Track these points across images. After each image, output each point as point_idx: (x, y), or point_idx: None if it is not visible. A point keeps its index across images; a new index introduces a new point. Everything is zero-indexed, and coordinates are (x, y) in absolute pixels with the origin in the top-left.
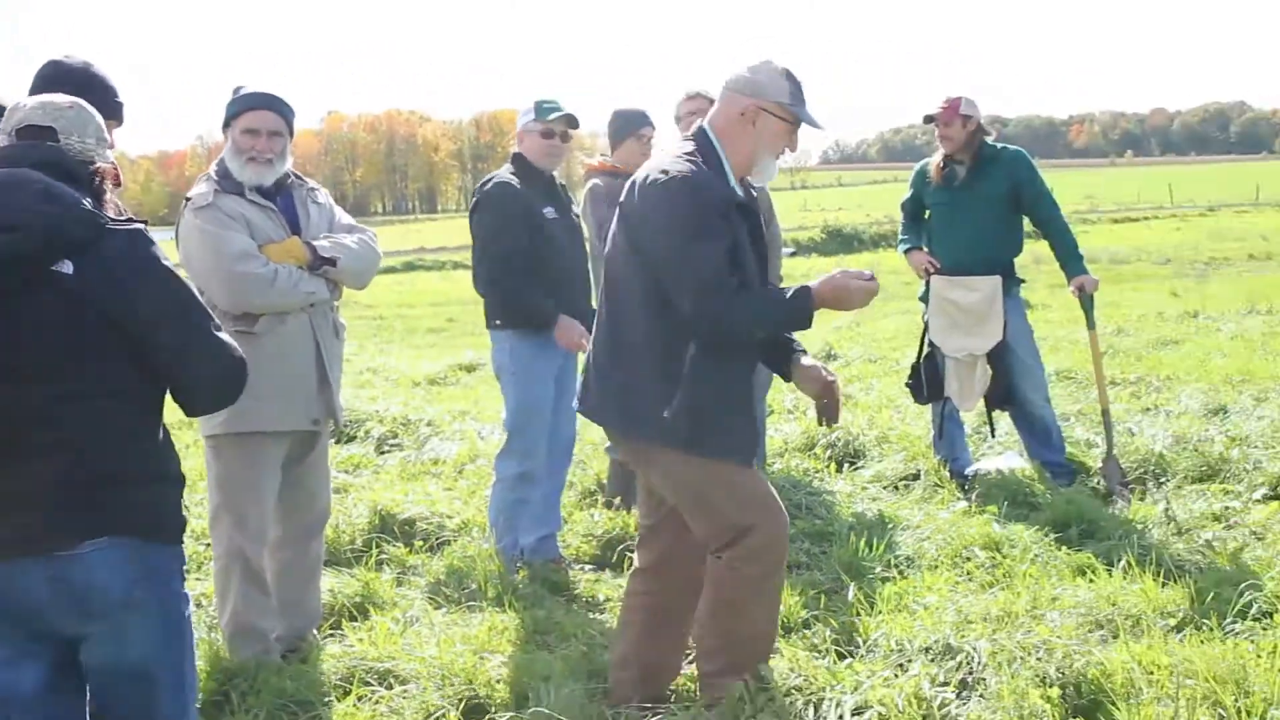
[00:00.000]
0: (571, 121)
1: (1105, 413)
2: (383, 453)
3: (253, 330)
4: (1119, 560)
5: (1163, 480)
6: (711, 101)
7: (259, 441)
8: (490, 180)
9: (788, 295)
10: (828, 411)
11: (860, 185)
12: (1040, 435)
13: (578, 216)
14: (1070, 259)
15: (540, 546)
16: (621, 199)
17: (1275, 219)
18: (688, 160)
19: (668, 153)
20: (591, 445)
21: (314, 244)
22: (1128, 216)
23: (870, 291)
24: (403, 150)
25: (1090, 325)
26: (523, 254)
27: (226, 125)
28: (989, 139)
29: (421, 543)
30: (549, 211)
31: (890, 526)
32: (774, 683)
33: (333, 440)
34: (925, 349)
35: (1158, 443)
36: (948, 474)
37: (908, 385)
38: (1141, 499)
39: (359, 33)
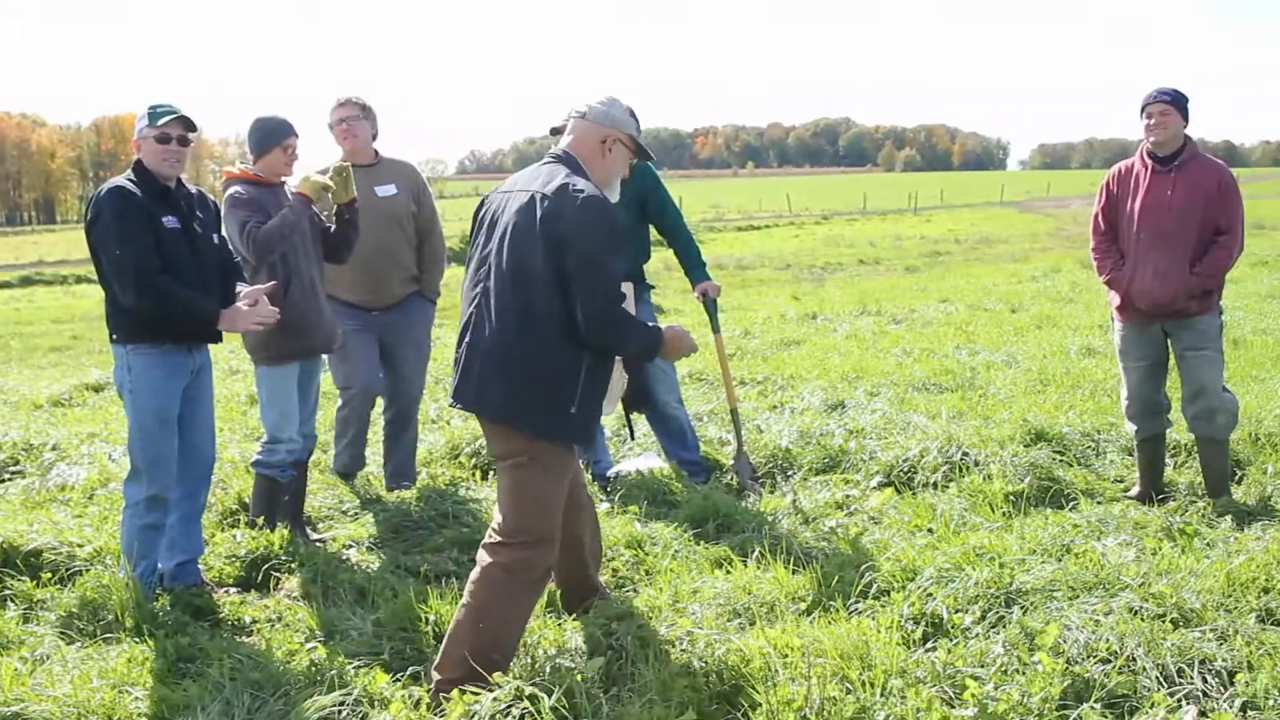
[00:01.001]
0: (188, 124)
1: (734, 412)
2: (2, 481)
3: None
4: (753, 551)
5: (790, 473)
6: (363, 108)
7: None
8: (104, 188)
9: (649, 326)
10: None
11: None
12: (676, 436)
13: (202, 225)
14: (694, 266)
15: (180, 572)
16: (508, 210)
17: (881, 226)
18: (585, 181)
19: (555, 171)
20: (231, 464)
21: None
22: (751, 224)
23: (691, 350)
24: (15, 157)
25: (715, 329)
26: (152, 255)
27: None
28: None
29: (50, 575)
30: (169, 220)
31: None
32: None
33: None
34: None
35: (784, 438)
36: (590, 476)
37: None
38: (771, 491)
39: None
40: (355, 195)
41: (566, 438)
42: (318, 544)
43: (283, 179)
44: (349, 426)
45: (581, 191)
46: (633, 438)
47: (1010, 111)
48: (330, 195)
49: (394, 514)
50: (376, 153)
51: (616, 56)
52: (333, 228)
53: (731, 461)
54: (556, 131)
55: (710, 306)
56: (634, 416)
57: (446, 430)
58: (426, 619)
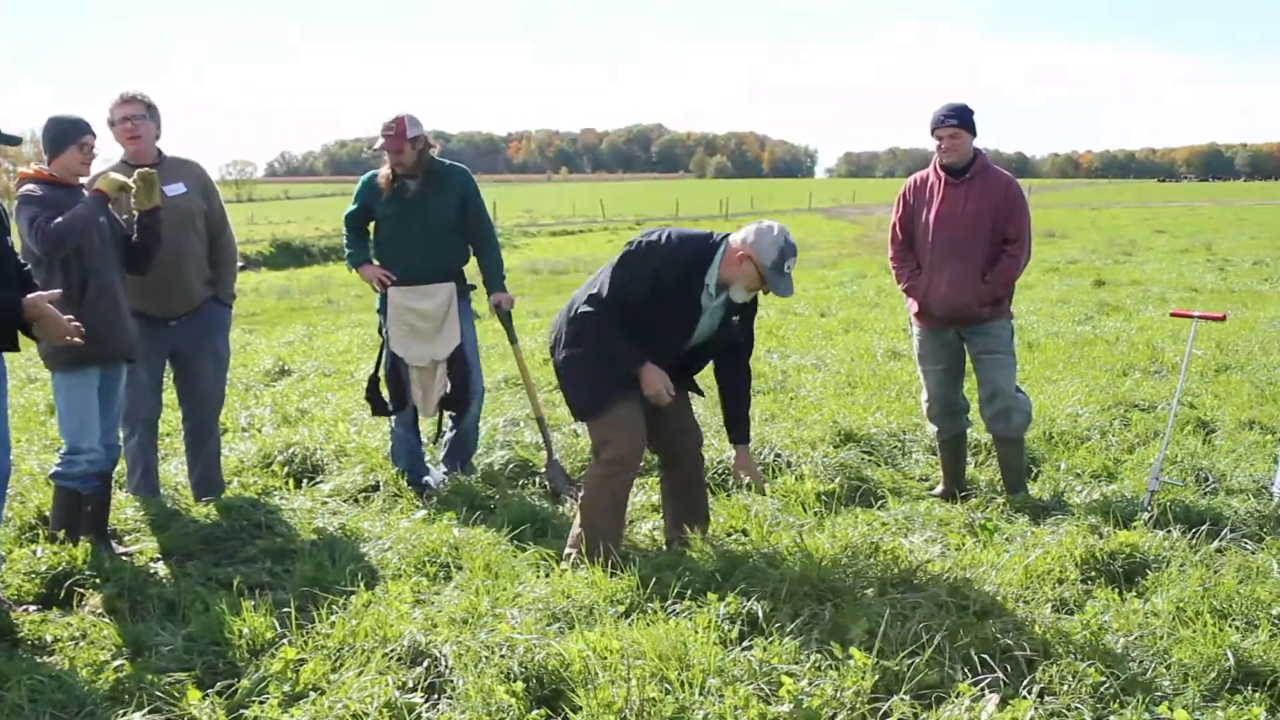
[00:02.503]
0: None
1: (540, 420)
2: None
3: None
4: (571, 555)
5: None
6: (148, 106)
7: None
8: None
9: (633, 350)
10: None
11: (308, 198)
12: (474, 439)
13: None
14: (494, 277)
15: None
16: None
17: None
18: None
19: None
20: (30, 476)
21: None
22: (565, 230)
23: (658, 398)
24: None
25: (512, 340)
26: None
27: None
28: (434, 153)
29: None
30: None
31: (353, 539)
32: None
33: None
34: (387, 361)
35: None
36: (406, 483)
37: (367, 399)
38: None
39: None
40: (160, 203)
41: None
42: (124, 558)
43: (80, 180)
44: (139, 460)
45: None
46: (439, 437)
47: (818, 120)
48: (132, 199)
49: (204, 525)
50: (160, 151)
51: (431, 59)
52: (134, 236)
53: (544, 468)
54: (377, 151)
55: (504, 318)
56: (445, 420)
57: (259, 438)
58: (240, 632)
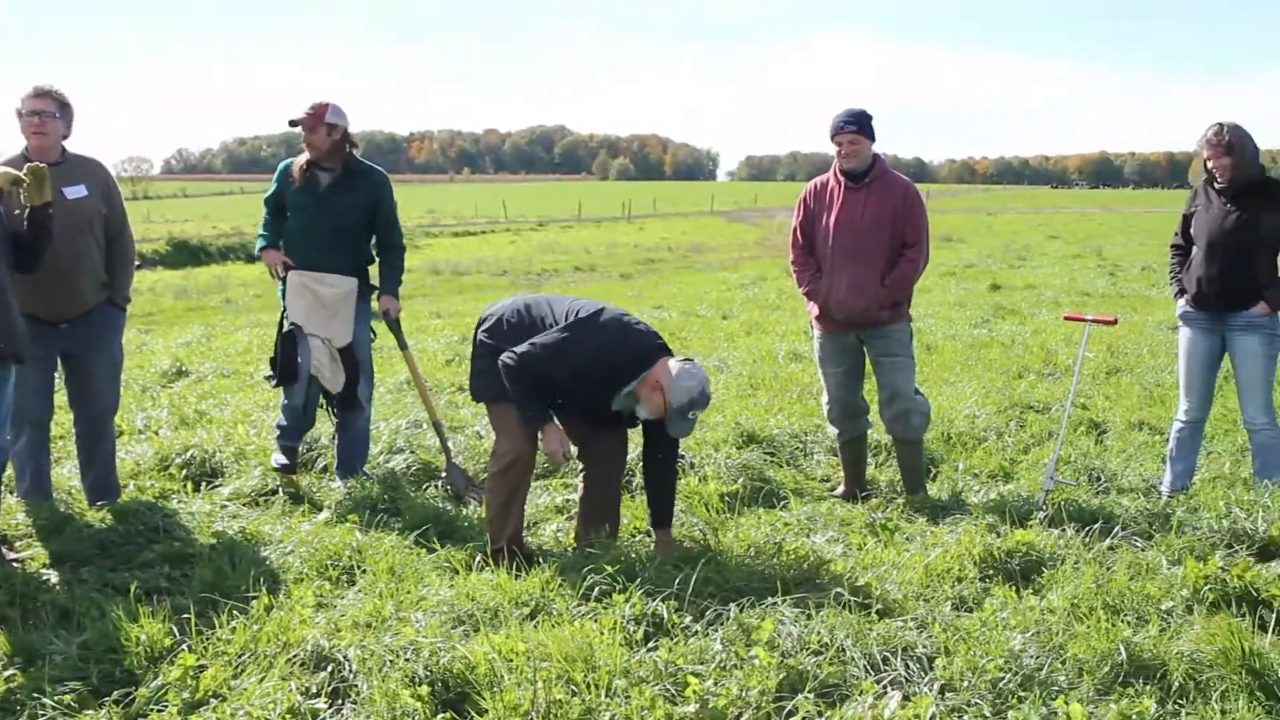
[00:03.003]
0: None
1: (436, 424)
2: None
3: None
4: (475, 558)
5: None
6: (61, 105)
7: None
8: None
9: (539, 408)
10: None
11: (206, 196)
12: (364, 444)
13: None
14: (390, 281)
15: None
16: None
17: (595, 234)
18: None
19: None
20: None
21: None
22: (467, 230)
23: (552, 458)
24: None
25: (402, 345)
26: None
27: None
28: (357, 153)
29: None
30: None
31: (253, 543)
32: None
33: None
34: (285, 329)
35: None
36: (276, 445)
37: (267, 376)
38: None
39: None
40: (51, 199)
41: None
42: (14, 564)
43: None
44: (28, 464)
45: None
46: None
47: (719, 123)
48: (22, 194)
49: (99, 530)
50: (64, 150)
51: (333, 57)
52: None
53: (444, 472)
54: (295, 124)
55: (393, 325)
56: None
57: (155, 441)
58: (137, 639)
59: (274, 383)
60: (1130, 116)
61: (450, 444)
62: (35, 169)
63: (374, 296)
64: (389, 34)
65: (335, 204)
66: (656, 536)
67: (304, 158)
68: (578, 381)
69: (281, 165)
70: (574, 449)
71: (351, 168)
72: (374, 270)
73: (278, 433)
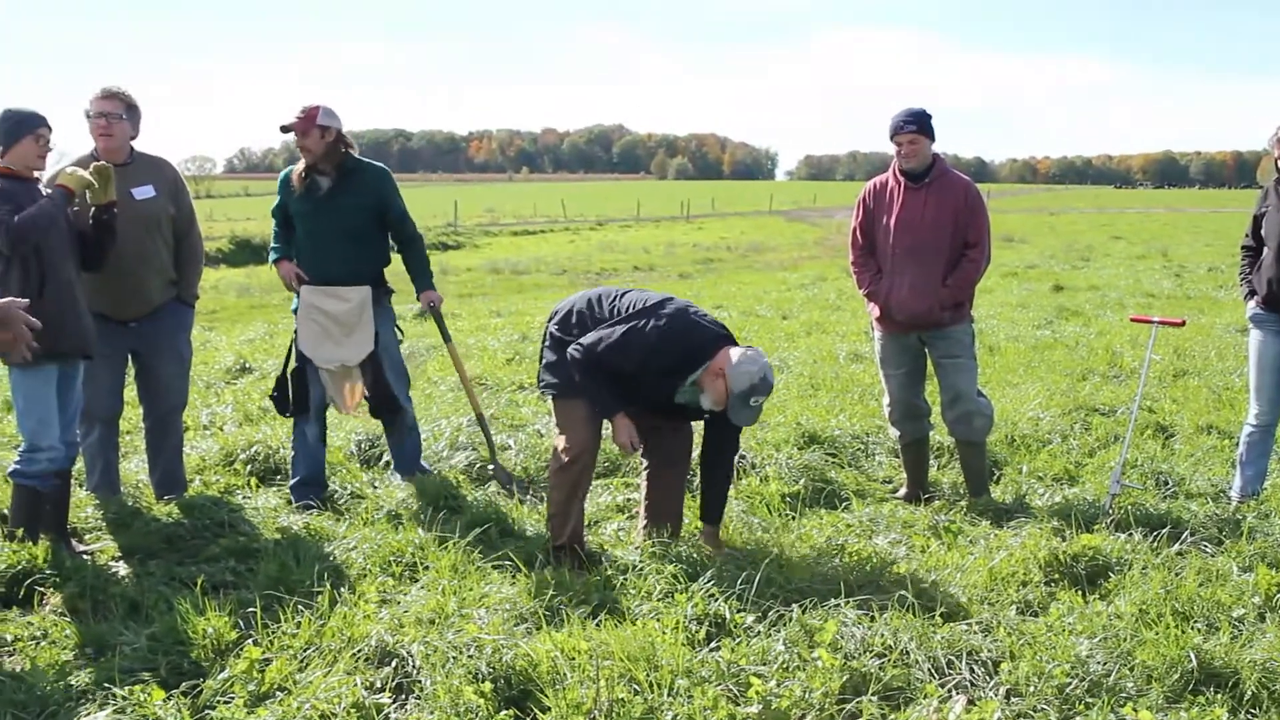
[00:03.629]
0: None
1: (480, 418)
2: None
3: None
4: (538, 556)
5: None
6: (128, 106)
7: None
8: None
9: (609, 399)
10: None
11: (268, 195)
12: (414, 444)
13: None
14: (420, 275)
15: None
16: None
17: (654, 233)
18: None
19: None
20: None
21: None
22: (526, 230)
23: (623, 450)
24: None
25: (446, 338)
26: None
27: None
28: (353, 152)
29: None
30: None
31: (317, 539)
32: None
33: None
34: (294, 361)
35: None
36: (293, 499)
37: (272, 398)
38: None
39: None
40: (115, 198)
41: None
42: (84, 556)
43: (35, 173)
44: (98, 459)
45: None
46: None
47: (778, 123)
48: (89, 194)
49: (166, 524)
50: (132, 150)
51: (393, 57)
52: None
53: (490, 468)
54: (286, 129)
55: (436, 317)
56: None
57: (220, 436)
58: (204, 632)
59: (287, 413)
60: (1195, 114)
61: (494, 439)
62: (101, 169)
63: (391, 297)
64: (448, 34)
65: (338, 207)
66: (704, 530)
67: (301, 164)
68: (644, 371)
69: (282, 175)
70: (640, 443)
71: (349, 168)
72: (390, 269)
73: (290, 485)
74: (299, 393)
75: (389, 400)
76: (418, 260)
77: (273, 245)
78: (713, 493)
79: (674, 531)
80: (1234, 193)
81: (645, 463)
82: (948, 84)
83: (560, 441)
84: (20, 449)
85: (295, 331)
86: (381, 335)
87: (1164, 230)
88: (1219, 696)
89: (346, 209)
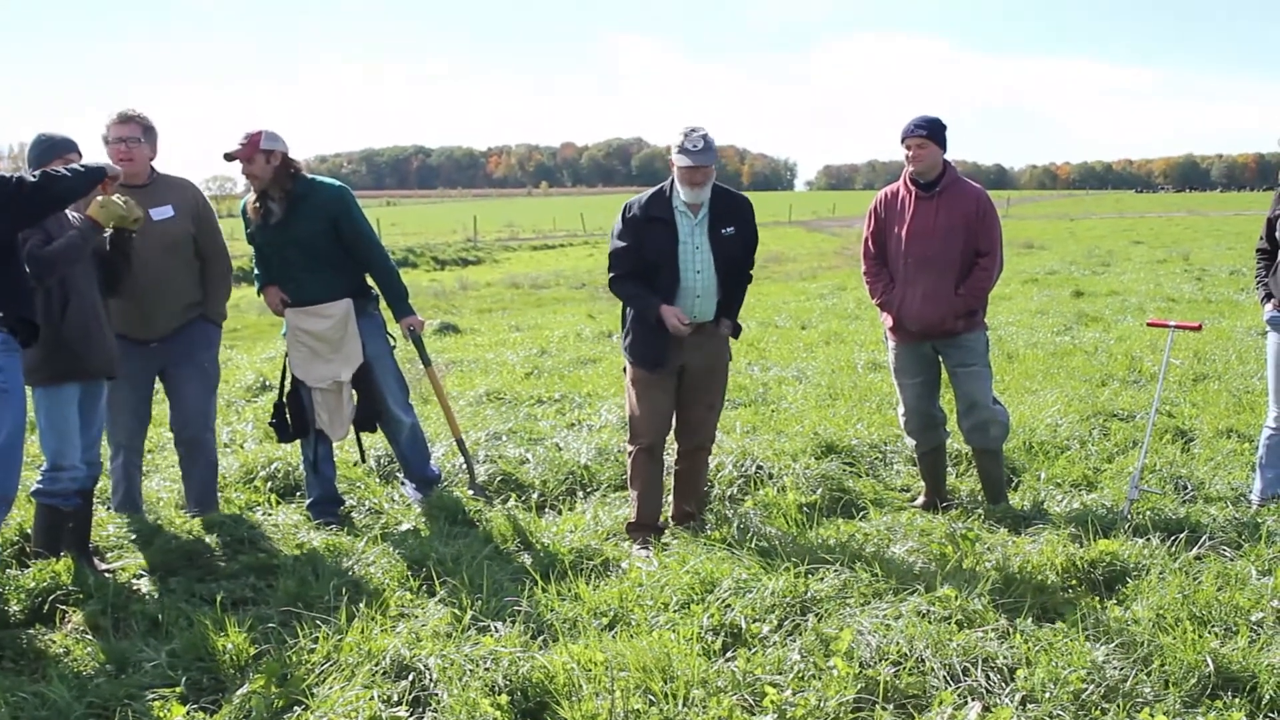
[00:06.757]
0: None
1: (459, 442)
2: None
3: None
4: (554, 568)
5: (590, 490)
6: (145, 128)
7: None
8: None
9: (649, 300)
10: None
11: None
12: (418, 451)
13: None
14: (395, 299)
15: None
16: None
17: None
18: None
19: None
20: None
21: None
22: (545, 244)
23: (674, 328)
24: None
25: (425, 362)
26: None
27: None
28: (304, 173)
29: None
30: None
31: (335, 554)
32: None
33: None
34: (288, 385)
35: (583, 455)
36: (312, 517)
37: (271, 425)
38: (571, 509)
39: None
40: (138, 221)
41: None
42: (106, 574)
43: None
44: (121, 481)
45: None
46: (363, 460)
47: (796, 134)
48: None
49: (187, 541)
50: (152, 170)
51: (411, 73)
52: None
53: (470, 493)
54: (230, 158)
55: (416, 341)
56: (364, 438)
57: (240, 454)
58: (224, 648)
59: (286, 438)
60: (1217, 117)
61: (475, 463)
62: (124, 201)
63: (381, 305)
64: (463, 50)
65: (295, 232)
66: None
67: (252, 194)
68: (648, 238)
69: (240, 205)
70: (687, 320)
71: (299, 193)
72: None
73: (307, 504)
74: (296, 416)
75: (376, 414)
76: (387, 288)
77: (256, 271)
78: (724, 306)
79: (699, 506)
80: (1256, 195)
81: (678, 445)
82: (967, 90)
83: (632, 427)
84: (43, 468)
85: (285, 356)
86: (371, 346)
87: (1185, 234)
88: (1236, 701)
89: (303, 235)
